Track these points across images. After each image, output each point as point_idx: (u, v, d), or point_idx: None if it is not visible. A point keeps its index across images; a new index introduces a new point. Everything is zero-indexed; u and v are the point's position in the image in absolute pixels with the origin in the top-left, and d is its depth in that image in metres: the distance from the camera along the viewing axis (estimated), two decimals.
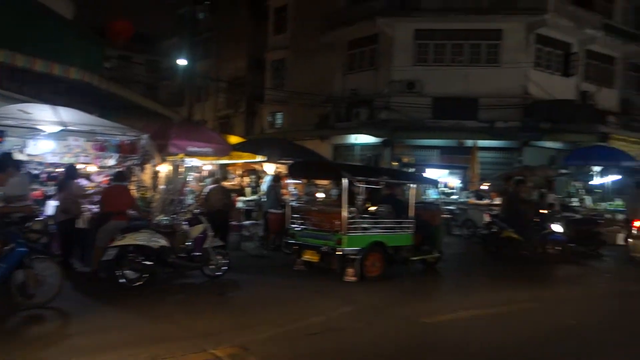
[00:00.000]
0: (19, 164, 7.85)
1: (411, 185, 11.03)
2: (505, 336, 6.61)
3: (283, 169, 14.69)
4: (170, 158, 11.80)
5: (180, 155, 11.96)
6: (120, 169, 9.97)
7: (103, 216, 8.88)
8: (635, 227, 12.27)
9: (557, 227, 12.54)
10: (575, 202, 17.26)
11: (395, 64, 22.46)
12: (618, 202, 18.20)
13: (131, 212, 9.05)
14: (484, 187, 18.97)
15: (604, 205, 17.59)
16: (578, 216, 14.65)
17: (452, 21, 22.17)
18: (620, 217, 16.13)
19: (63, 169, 9.90)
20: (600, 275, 11.57)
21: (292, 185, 13.26)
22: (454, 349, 6.07)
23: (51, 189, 10.21)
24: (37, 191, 10.01)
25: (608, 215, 16.23)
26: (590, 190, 17.87)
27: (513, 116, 21.44)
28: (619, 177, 18.27)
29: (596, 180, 18.36)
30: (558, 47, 23.49)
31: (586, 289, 9.97)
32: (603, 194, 18.57)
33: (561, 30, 22.90)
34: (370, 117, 23.00)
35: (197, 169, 14.56)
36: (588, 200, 17.21)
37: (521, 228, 12.59)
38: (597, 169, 18.39)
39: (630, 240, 12.60)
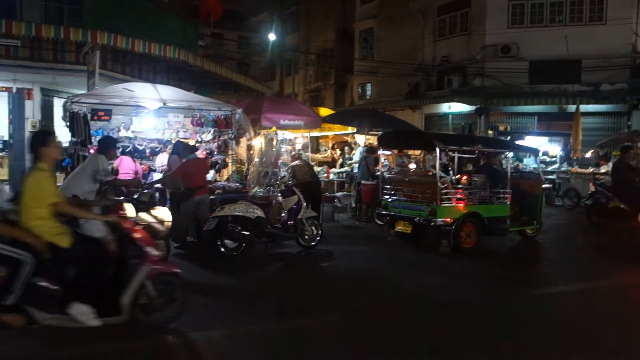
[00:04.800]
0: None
1: (508, 153, 10.62)
2: (609, 311, 6.25)
3: (374, 140, 14.61)
4: (264, 131, 12.11)
5: (273, 129, 12.24)
6: (183, 141, 9.81)
7: (186, 191, 8.23)
8: None
9: None
10: None
11: (489, 28, 21.42)
12: None
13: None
14: (588, 155, 17.95)
15: None
16: None
17: None
18: None
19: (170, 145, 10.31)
20: None
21: (384, 156, 13.17)
22: (553, 323, 5.81)
23: (154, 163, 10.81)
24: (144, 165, 10.62)
25: None
26: None
27: (620, 77, 19.93)
28: None
29: None
30: None
31: None
32: None
33: None
34: (463, 84, 22.28)
35: (289, 141, 14.82)
36: None
37: (629, 198, 11.76)
38: None
39: None
